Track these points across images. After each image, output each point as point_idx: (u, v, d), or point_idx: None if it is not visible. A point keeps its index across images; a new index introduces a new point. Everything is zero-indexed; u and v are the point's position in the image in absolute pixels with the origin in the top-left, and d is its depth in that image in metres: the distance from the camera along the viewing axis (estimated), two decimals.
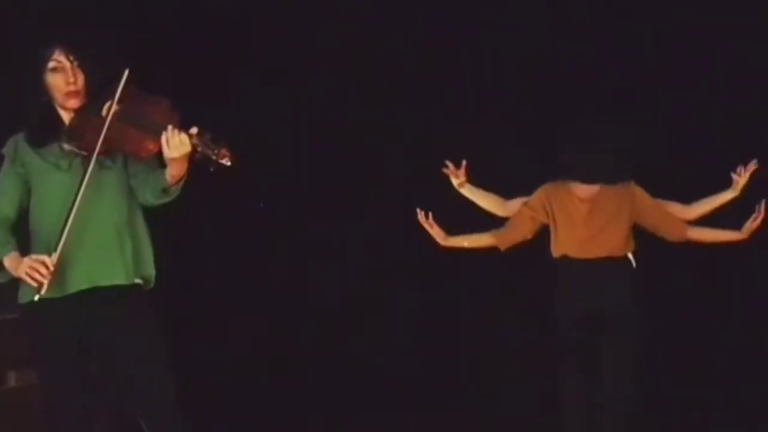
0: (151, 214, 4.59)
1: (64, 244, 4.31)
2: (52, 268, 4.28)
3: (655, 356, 6.18)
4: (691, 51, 6.85)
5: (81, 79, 4.42)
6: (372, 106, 7.08)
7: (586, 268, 5.70)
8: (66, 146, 4.44)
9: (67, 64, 4.41)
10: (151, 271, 4.57)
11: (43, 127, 4.45)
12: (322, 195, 7.15)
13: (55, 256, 4.29)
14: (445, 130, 7.07)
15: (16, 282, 4.45)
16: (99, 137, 4.33)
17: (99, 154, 4.35)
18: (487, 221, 5.96)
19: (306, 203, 7.16)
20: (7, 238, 4.41)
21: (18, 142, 4.49)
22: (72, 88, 4.41)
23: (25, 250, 4.41)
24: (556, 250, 5.77)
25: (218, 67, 6.92)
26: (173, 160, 4.26)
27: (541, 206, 5.77)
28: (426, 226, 5.82)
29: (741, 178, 5.74)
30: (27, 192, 4.48)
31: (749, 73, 6.78)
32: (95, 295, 4.44)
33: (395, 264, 7.18)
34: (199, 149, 4.24)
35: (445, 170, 5.95)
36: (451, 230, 5.83)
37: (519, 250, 5.88)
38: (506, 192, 6.39)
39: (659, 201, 5.79)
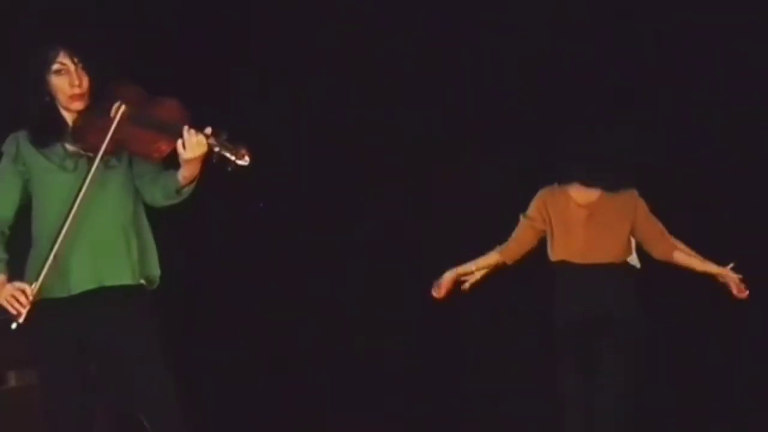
0: (150, 215, 4.59)
1: (65, 245, 4.30)
2: (31, 298, 4.28)
3: (655, 358, 6.18)
4: (691, 51, 6.85)
5: (86, 81, 4.41)
6: (372, 106, 7.07)
7: (584, 273, 5.69)
8: (70, 147, 4.43)
9: (72, 67, 4.39)
10: (156, 271, 4.57)
11: (46, 127, 4.44)
12: (322, 195, 7.15)
13: (36, 285, 4.29)
14: (445, 131, 7.07)
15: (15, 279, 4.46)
16: (105, 138, 4.32)
17: (105, 153, 4.34)
18: (488, 233, 5.96)
19: (306, 203, 7.16)
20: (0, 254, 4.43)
21: (20, 140, 4.47)
22: (77, 90, 4.40)
23: (24, 251, 4.41)
24: (554, 255, 5.76)
25: (218, 67, 6.92)
26: (188, 161, 4.25)
27: (539, 215, 5.75)
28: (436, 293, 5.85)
29: (732, 282, 5.74)
30: (25, 191, 4.47)
31: (749, 73, 6.78)
32: (99, 295, 4.43)
33: (395, 264, 7.17)
34: (216, 149, 4.22)
35: (437, 293, 5.92)
36: (453, 244, 5.85)
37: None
38: (506, 191, 6.40)
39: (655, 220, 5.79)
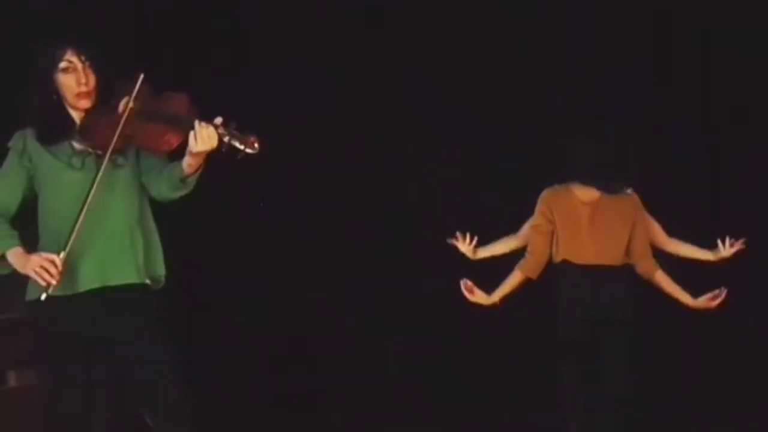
0: (155, 215, 4.59)
1: (74, 242, 4.30)
2: (60, 268, 4.27)
3: (655, 359, 6.19)
4: (691, 51, 6.86)
5: (92, 79, 4.41)
6: (372, 106, 7.08)
7: (587, 273, 5.69)
8: (78, 145, 4.43)
9: (79, 65, 4.39)
10: (161, 270, 4.56)
11: (53, 125, 4.44)
12: (322, 195, 7.15)
13: (63, 255, 4.28)
14: (445, 131, 7.07)
15: (15, 282, 4.45)
16: (113, 135, 4.32)
17: (114, 150, 4.35)
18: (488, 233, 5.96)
19: (306, 203, 7.16)
20: (10, 231, 4.39)
21: (27, 138, 4.47)
22: (83, 88, 4.40)
23: (32, 248, 4.39)
24: (558, 254, 5.76)
25: (219, 66, 6.92)
26: (198, 153, 4.24)
27: (545, 218, 5.73)
28: (467, 293, 5.82)
29: (725, 250, 5.75)
30: (30, 187, 4.46)
31: (750, 72, 6.80)
32: (104, 293, 4.42)
33: (395, 264, 7.18)
34: (226, 139, 4.22)
35: (452, 242, 5.92)
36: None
37: (520, 252, 5.86)
38: (506, 192, 6.41)
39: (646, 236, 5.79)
